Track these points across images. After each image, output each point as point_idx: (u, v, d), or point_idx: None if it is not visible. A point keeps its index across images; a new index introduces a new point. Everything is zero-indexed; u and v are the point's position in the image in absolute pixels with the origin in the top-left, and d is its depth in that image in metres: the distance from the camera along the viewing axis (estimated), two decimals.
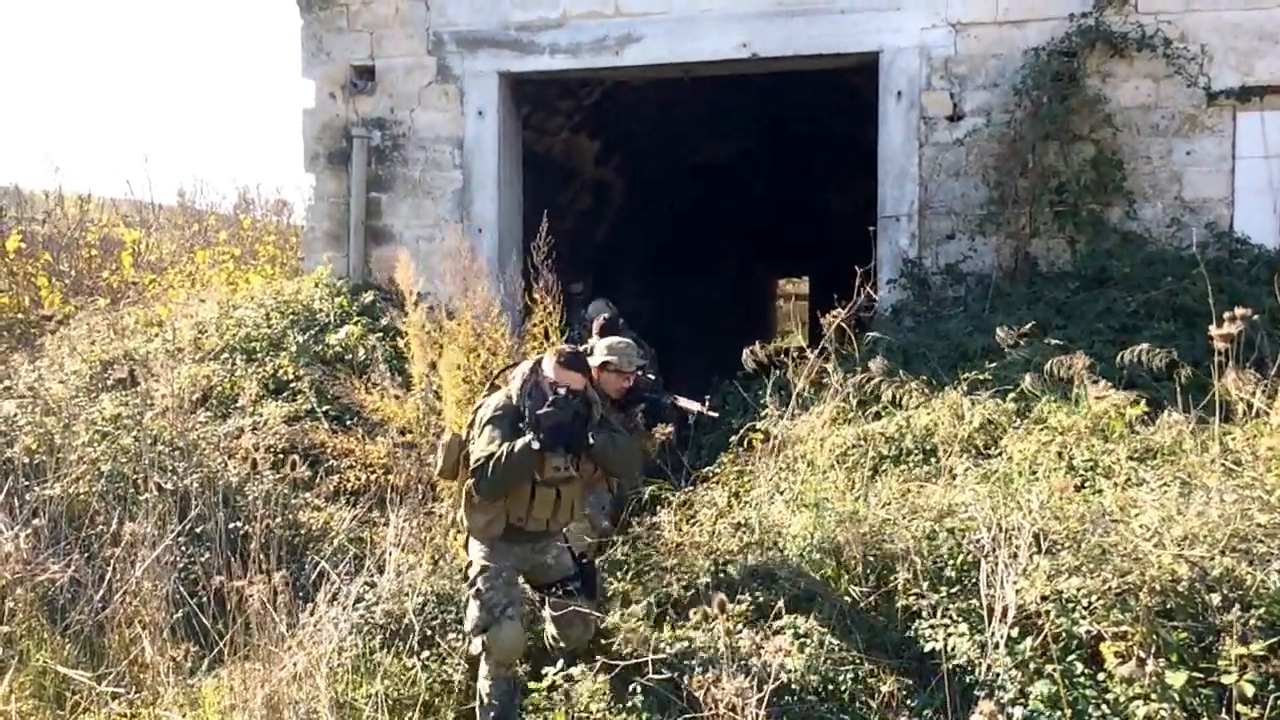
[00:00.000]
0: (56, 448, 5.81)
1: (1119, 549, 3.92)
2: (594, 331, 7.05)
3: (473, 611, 4.29)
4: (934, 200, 7.91)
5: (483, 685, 4.30)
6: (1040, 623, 3.78)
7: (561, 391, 4.20)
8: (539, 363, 4.41)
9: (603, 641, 4.40)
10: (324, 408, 6.80)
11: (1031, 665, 3.73)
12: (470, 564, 4.42)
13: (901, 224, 7.95)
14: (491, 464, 4.11)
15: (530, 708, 4.31)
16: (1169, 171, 7.56)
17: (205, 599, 4.45)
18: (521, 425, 4.23)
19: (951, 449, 5.21)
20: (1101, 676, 3.65)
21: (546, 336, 6.14)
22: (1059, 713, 3.54)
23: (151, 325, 8.42)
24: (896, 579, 4.33)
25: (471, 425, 4.41)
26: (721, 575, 4.74)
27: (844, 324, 5.66)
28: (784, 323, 26.87)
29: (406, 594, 4.75)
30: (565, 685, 4.28)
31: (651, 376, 6.19)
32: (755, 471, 5.54)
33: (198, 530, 5.21)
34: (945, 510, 4.56)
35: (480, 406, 4.45)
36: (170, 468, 5.74)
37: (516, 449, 4.11)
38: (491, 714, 4.25)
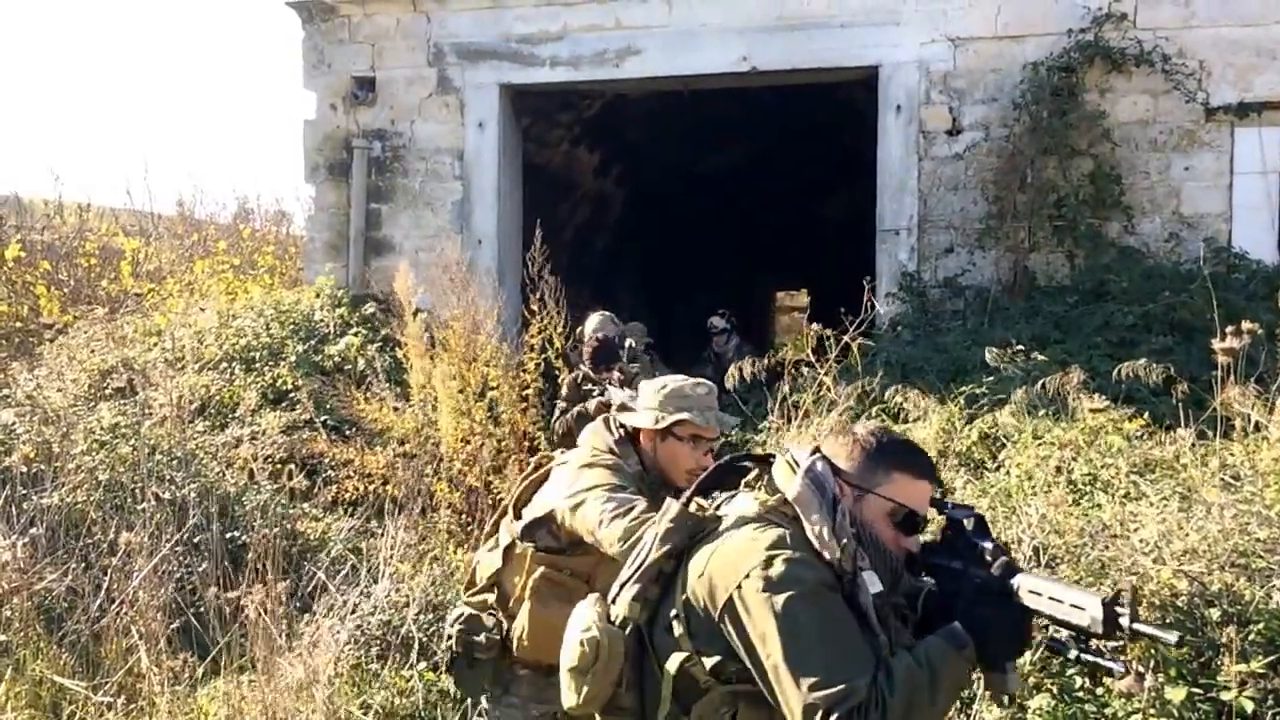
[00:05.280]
0: (54, 456, 5.80)
1: (1118, 563, 3.91)
2: (584, 355, 6.09)
3: None
4: (933, 214, 7.93)
5: None
6: (1038, 636, 3.77)
7: (987, 544, 2.09)
8: (827, 462, 2.10)
9: None
10: (323, 418, 6.79)
11: (1030, 679, 3.72)
12: None
13: (900, 237, 7.97)
14: (901, 702, 1.85)
15: None
16: (1167, 186, 7.58)
17: (203, 609, 4.45)
18: (900, 608, 2.09)
19: (949, 462, 5.21)
20: (1100, 691, 3.64)
21: (544, 349, 6.14)
22: None
23: (150, 334, 8.42)
24: None
25: (643, 591, 2.12)
26: None
27: (843, 337, 5.67)
28: (783, 335, 26.94)
29: (406, 604, 4.74)
30: None
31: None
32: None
33: (195, 540, 5.20)
34: None
35: (671, 546, 2.11)
36: (168, 477, 5.74)
37: (942, 668, 1.91)
38: None
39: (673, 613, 2.06)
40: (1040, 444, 5.14)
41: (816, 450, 2.13)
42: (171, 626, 4.46)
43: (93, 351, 7.94)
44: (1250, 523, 3.99)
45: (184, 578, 4.97)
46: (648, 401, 2.98)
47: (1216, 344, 4.38)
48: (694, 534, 2.11)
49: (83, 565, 4.99)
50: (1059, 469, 4.90)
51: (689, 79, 8.58)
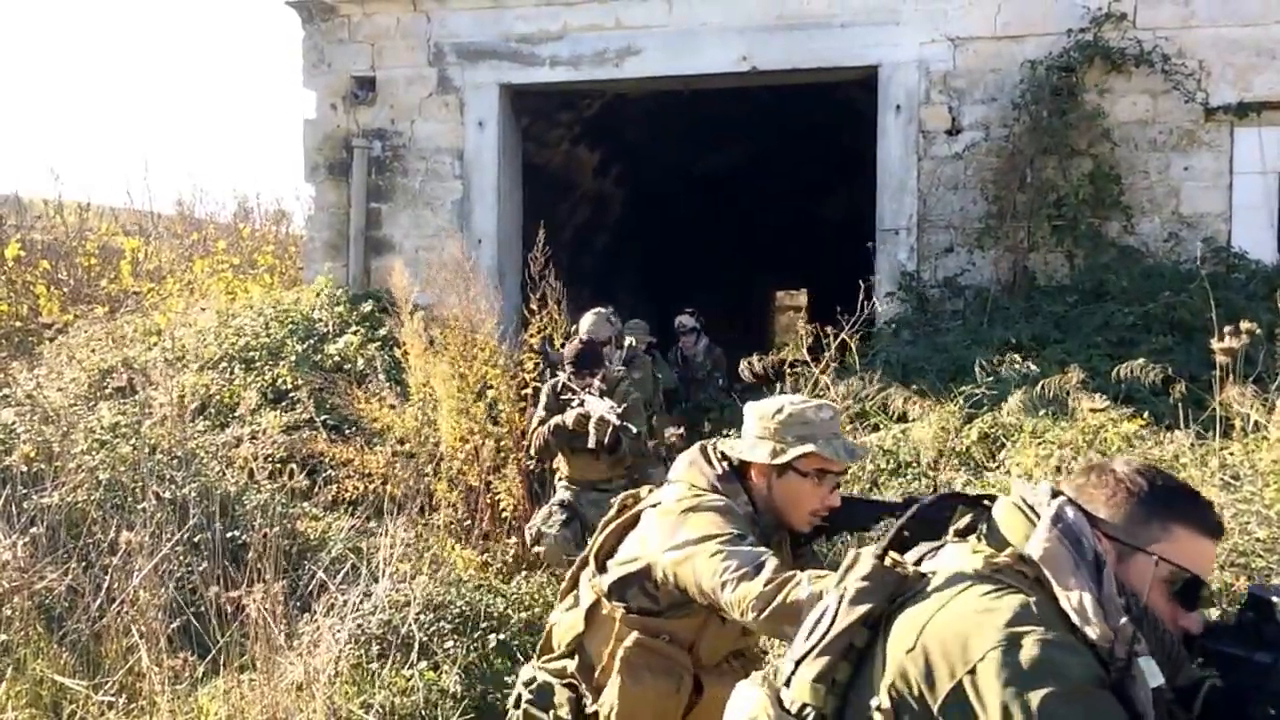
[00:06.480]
0: (55, 456, 5.80)
1: None
2: (565, 358, 5.50)
3: None
4: (932, 214, 7.94)
5: None
6: None
7: None
8: (1078, 508, 1.59)
9: None
10: (322, 417, 6.79)
11: None
12: None
13: (900, 237, 7.97)
14: None
15: None
16: (1167, 186, 7.58)
17: (203, 608, 4.44)
18: (1169, 703, 1.53)
19: (949, 462, 5.21)
20: None
21: (543, 349, 6.13)
22: None
23: (150, 334, 8.43)
24: None
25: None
26: None
27: (843, 336, 5.68)
28: (783, 335, 26.97)
29: (406, 604, 4.74)
30: None
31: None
32: None
33: (195, 539, 5.20)
34: None
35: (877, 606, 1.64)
36: (169, 476, 5.73)
37: None
38: None
39: (874, 702, 1.54)
40: (1040, 443, 5.15)
41: (1058, 493, 1.60)
42: (172, 626, 4.45)
43: (93, 351, 7.94)
44: (1250, 522, 4.00)
45: (184, 577, 4.97)
46: (759, 429, 2.42)
47: (1216, 344, 4.40)
48: (894, 596, 1.61)
49: (83, 564, 4.98)
50: (1059, 468, 4.90)
51: (689, 79, 8.58)
